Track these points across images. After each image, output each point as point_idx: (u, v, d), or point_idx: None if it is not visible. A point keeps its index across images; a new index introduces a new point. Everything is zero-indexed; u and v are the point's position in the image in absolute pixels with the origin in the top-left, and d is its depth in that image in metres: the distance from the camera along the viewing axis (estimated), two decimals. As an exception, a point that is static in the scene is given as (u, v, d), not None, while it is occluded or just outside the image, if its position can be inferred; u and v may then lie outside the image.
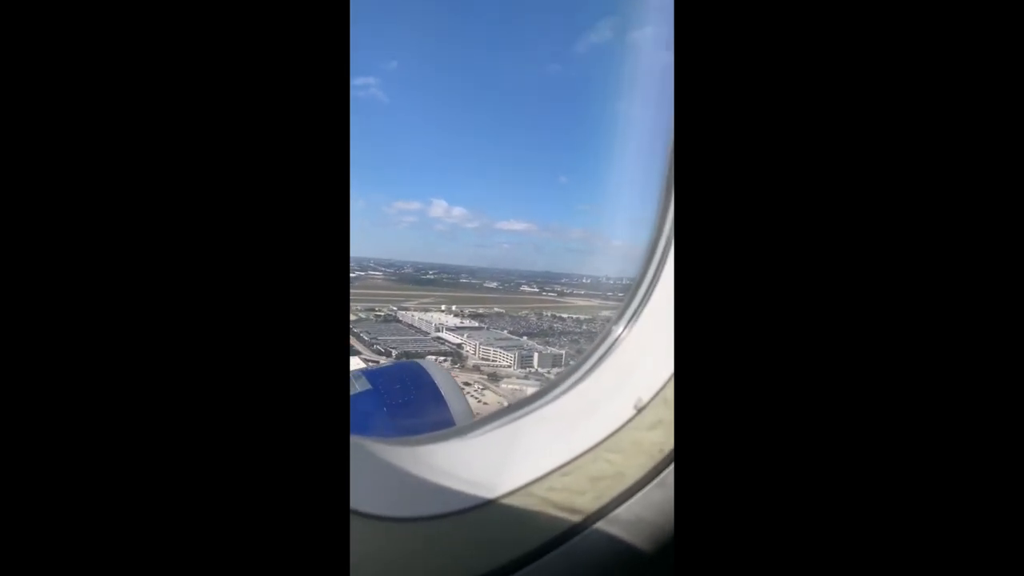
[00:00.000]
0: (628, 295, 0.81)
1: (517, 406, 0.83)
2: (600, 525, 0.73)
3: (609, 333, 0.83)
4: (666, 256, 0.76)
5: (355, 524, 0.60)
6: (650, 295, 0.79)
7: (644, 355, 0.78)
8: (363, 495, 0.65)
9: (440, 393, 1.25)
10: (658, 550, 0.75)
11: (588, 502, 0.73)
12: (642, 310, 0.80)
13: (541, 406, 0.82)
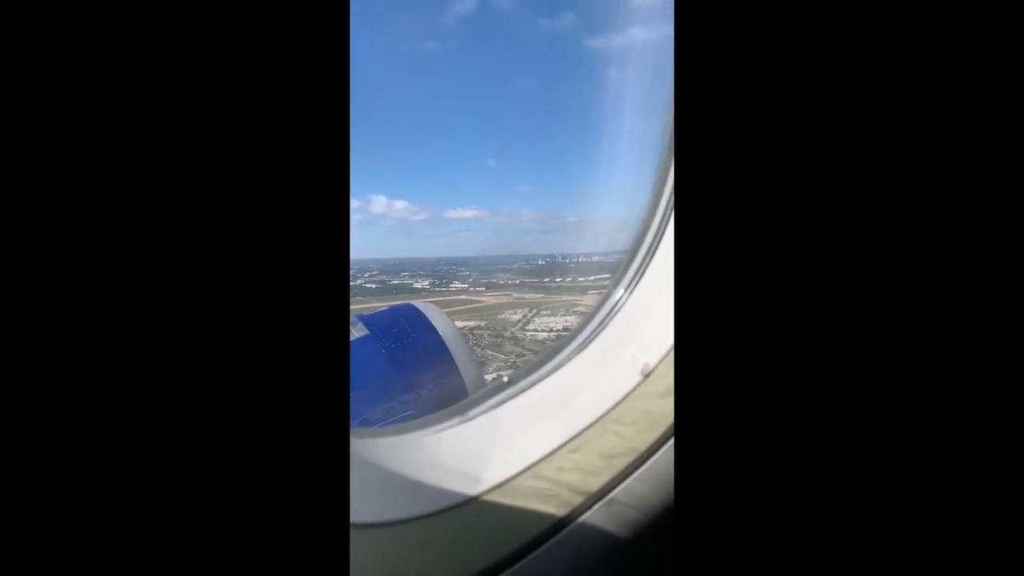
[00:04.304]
0: (627, 257, 0.79)
1: (515, 380, 0.80)
2: (605, 502, 0.71)
3: (608, 298, 0.80)
4: (667, 215, 0.74)
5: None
6: (651, 257, 0.77)
7: (647, 318, 0.76)
8: (356, 500, 0.60)
9: (440, 337, 1.21)
10: (660, 523, 0.74)
11: (603, 482, 0.70)
12: (643, 273, 0.78)
13: (542, 379, 0.79)
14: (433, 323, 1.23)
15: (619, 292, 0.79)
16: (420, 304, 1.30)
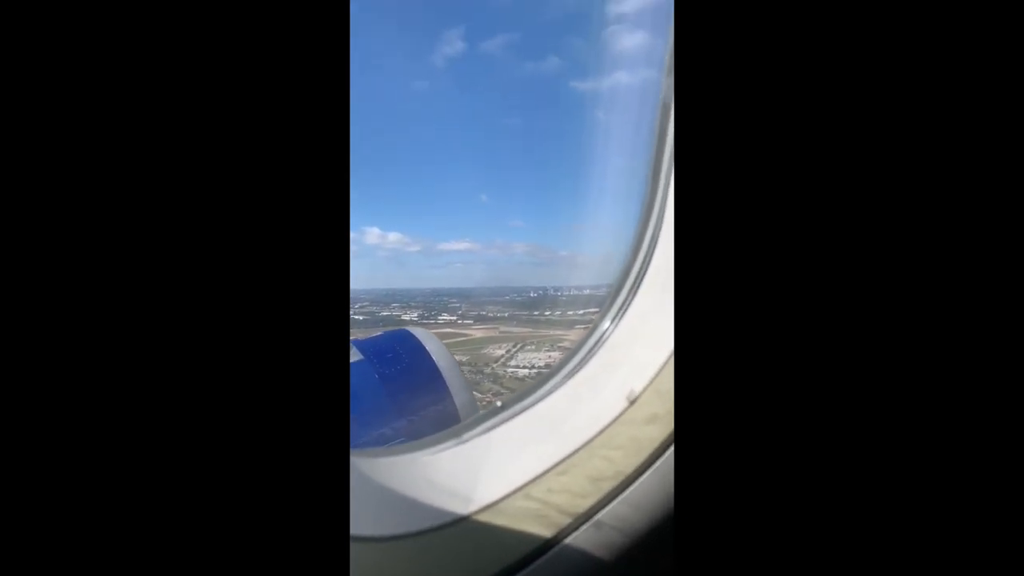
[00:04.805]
0: (613, 290, 0.85)
1: (507, 405, 0.83)
2: (595, 522, 0.74)
3: (596, 329, 0.85)
4: (652, 250, 0.80)
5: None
6: (637, 288, 0.82)
7: (633, 346, 0.81)
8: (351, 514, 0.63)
9: (433, 363, 1.21)
10: (646, 545, 0.77)
11: (590, 504, 0.74)
12: (629, 304, 0.83)
13: (533, 404, 0.82)
14: (427, 348, 1.25)
15: (606, 324, 0.84)
16: (414, 329, 1.32)
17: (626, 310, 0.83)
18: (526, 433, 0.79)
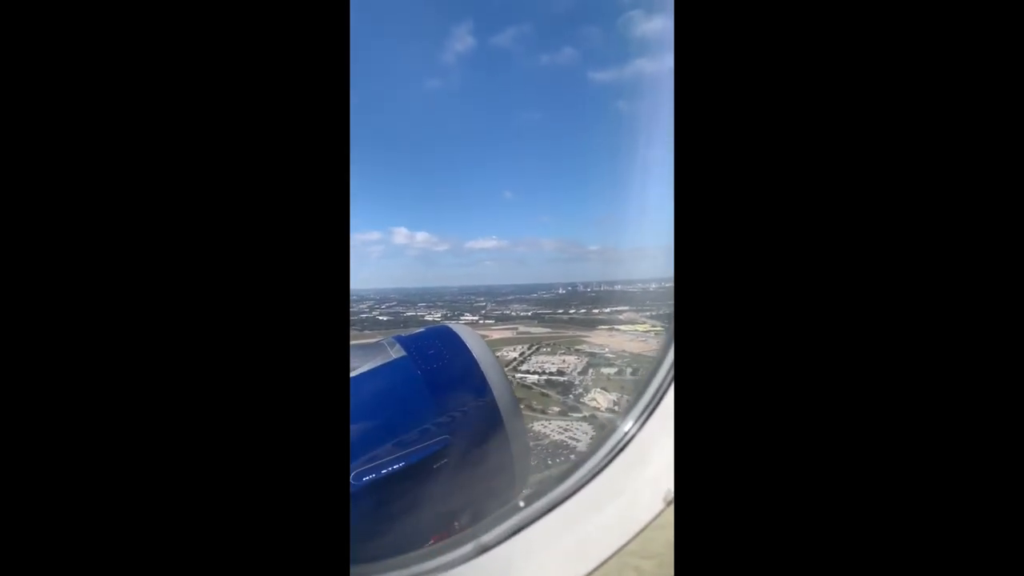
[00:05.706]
0: (637, 391, 0.79)
1: (530, 502, 0.78)
2: None
3: (615, 430, 0.79)
4: None
5: None
6: (664, 390, 0.76)
7: (669, 438, 0.75)
8: None
9: (474, 359, 1.20)
10: None
11: None
12: (656, 406, 0.77)
13: (557, 503, 0.77)
14: (468, 344, 1.22)
15: (627, 425, 0.78)
16: (455, 325, 1.29)
17: (656, 407, 0.77)
18: (548, 541, 0.74)
